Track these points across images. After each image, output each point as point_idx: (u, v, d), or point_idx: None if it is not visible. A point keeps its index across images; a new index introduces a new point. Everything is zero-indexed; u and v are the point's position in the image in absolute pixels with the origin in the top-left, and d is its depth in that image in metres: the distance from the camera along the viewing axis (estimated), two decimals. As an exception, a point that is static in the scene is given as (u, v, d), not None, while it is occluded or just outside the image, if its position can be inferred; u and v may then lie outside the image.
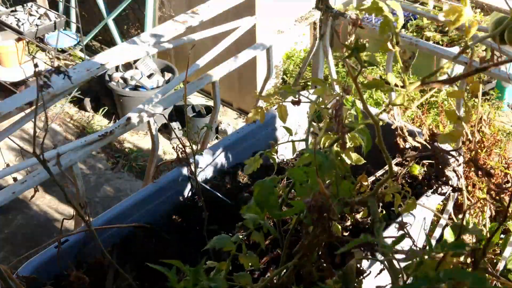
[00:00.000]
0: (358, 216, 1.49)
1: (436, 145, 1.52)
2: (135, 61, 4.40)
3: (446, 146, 1.81)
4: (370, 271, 1.10)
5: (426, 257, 0.75)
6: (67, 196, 1.10)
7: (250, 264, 1.12)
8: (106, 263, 1.45)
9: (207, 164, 1.80)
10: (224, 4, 1.86)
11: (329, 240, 0.94)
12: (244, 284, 1.05)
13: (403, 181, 1.69)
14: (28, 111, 1.44)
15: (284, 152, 2.03)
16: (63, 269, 1.41)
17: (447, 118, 1.58)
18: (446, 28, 4.13)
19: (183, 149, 1.66)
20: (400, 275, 0.79)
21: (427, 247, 0.77)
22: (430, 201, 1.64)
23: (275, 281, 1.04)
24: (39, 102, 1.39)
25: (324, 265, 1.00)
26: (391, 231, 1.43)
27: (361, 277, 1.00)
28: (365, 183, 1.22)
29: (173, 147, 1.76)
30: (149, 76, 4.42)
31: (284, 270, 1.03)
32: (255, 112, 1.44)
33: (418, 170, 1.71)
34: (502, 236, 2.25)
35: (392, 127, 1.48)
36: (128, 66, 4.43)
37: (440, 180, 1.65)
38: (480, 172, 1.12)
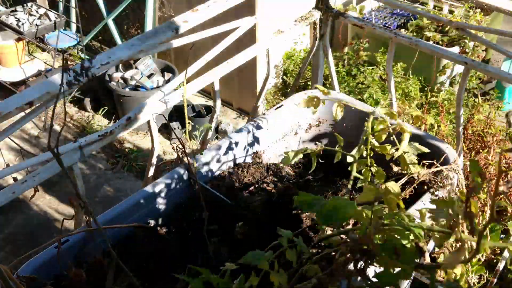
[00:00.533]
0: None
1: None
2: (135, 61, 4.40)
3: (446, 147, 1.82)
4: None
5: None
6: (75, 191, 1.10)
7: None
8: (106, 263, 1.45)
9: (207, 164, 1.80)
10: (224, 4, 1.86)
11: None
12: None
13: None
14: (28, 111, 1.44)
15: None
16: (63, 269, 1.41)
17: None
18: (446, 28, 4.13)
19: (183, 149, 1.66)
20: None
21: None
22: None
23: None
24: (37, 103, 1.39)
25: None
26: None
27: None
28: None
29: (173, 147, 1.76)
30: (149, 76, 4.42)
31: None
32: (309, 99, 1.51)
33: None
34: (502, 236, 2.25)
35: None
36: (128, 66, 4.43)
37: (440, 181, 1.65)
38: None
